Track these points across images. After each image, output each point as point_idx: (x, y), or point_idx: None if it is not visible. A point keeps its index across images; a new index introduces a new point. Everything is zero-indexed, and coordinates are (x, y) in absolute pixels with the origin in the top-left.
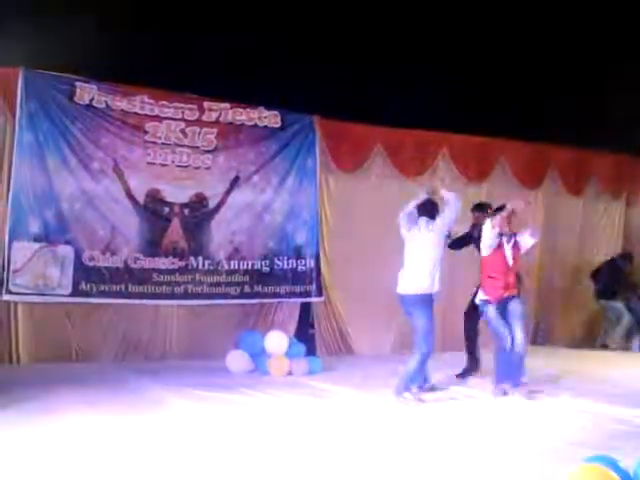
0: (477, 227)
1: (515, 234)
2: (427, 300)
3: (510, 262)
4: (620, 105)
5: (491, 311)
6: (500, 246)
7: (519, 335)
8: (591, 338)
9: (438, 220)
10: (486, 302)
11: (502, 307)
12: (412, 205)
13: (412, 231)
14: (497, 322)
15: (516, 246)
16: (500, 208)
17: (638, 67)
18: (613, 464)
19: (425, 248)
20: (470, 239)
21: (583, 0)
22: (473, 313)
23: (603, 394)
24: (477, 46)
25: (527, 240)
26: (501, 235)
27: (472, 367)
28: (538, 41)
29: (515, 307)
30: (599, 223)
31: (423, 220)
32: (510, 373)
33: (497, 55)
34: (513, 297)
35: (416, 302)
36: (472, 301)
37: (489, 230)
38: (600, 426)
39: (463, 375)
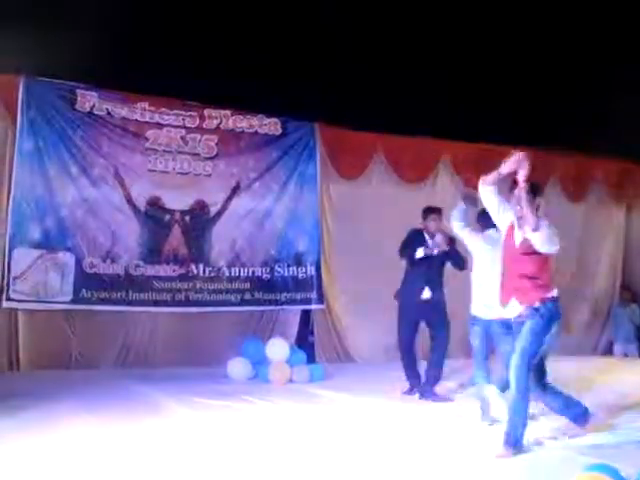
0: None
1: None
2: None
3: (516, 248)
4: (621, 111)
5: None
6: (511, 228)
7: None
8: (589, 345)
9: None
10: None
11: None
12: (458, 215)
13: (487, 242)
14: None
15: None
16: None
17: None
18: (614, 473)
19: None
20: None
21: (584, 6)
22: (405, 326)
23: (606, 402)
24: (478, 53)
25: (530, 235)
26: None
27: (415, 383)
28: (539, 48)
29: (526, 326)
30: (600, 230)
31: (495, 232)
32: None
33: (498, 61)
34: (533, 311)
35: (502, 326)
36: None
37: (482, 189)
38: (603, 434)
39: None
